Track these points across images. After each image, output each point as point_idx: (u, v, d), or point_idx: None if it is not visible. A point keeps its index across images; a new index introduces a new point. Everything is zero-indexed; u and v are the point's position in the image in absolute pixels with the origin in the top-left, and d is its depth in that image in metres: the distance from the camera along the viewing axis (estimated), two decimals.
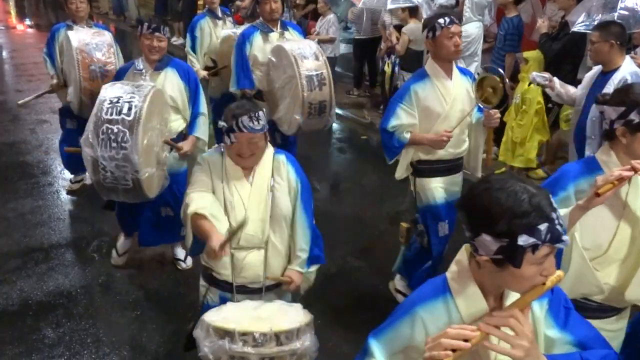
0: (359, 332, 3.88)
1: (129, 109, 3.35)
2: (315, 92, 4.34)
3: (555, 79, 4.35)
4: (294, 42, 4.79)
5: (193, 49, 6.35)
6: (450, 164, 3.83)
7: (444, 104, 3.64)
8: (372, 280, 4.54)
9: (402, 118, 3.65)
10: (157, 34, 3.96)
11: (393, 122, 3.67)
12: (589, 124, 4.12)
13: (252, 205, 2.72)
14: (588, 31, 4.64)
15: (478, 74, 3.74)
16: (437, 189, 3.83)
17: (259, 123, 2.60)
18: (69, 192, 5.93)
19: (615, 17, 4.54)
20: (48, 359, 3.63)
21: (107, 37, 4.88)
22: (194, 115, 4.23)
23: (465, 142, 3.83)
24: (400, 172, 3.86)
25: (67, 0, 5.29)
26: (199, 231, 2.65)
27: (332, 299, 4.27)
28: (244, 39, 5.02)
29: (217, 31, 6.27)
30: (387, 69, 7.67)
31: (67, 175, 6.15)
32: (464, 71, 3.84)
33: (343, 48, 9.93)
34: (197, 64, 6.26)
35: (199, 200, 2.67)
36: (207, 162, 2.78)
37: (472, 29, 5.77)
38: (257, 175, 2.76)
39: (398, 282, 4.25)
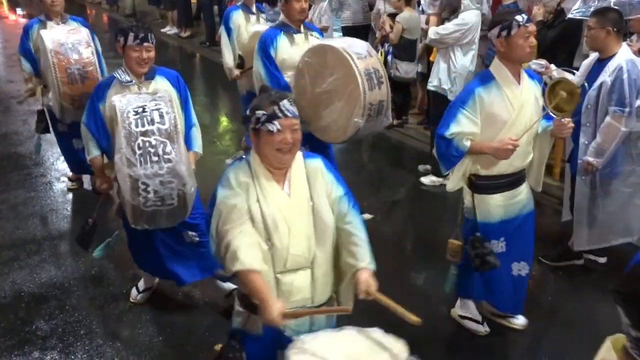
0: (354, 322, 3.88)
1: (161, 116, 3.00)
2: (375, 91, 3.91)
3: (552, 66, 4.31)
4: (341, 40, 4.36)
5: (230, 41, 5.95)
6: (513, 177, 3.46)
7: (511, 110, 3.28)
8: None
9: (463, 125, 3.27)
10: (145, 44, 3.48)
11: (453, 129, 3.28)
12: (584, 112, 4.08)
13: (294, 221, 2.39)
14: (584, 17, 4.60)
15: (550, 77, 3.49)
16: (498, 206, 3.47)
17: (296, 109, 2.38)
18: (70, 190, 5.75)
19: (612, 4, 4.49)
20: (41, 351, 3.60)
21: (84, 34, 4.55)
22: (188, 127, 3.70)
23: (531, 154, 3.46)
24: (453, 184, 3.50)
25: None
26: (249, 288, 2.30)
27: None
28: (268, 41, 4.45)
29: (249, 27, 5.89)
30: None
31: (60, 166, 6.12)
32: (532, 75, 3.48)
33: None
34: (230, 61, 5.84)
35: (247, 248, 2.27)
36: (234, 180, 2.38)
37: (471, 17, 5.71)
38: (293, 184, 2.43)
39: (460, 308, 3.85)
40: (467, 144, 3.29)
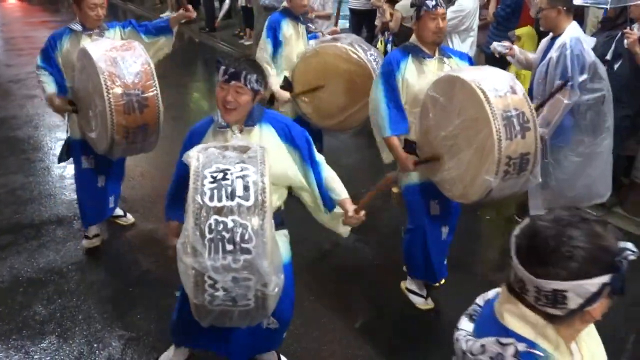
0: (351, 307, 3.91)
1: (245, 188, 2.26)
2: (517, 140, 2.98)
3: (515, 47, 4.47)
4: (474, 70, 3.37)
5: (274, 57, 4.92)
6: None
7: None
8: (365, 255, 4.55)
9: None
10: (234, 82, 2.66)
11: None
12: (534, 86, 4.24)
13: None
14: (585, 5, 4.71)
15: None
16: None
17: None
18: (89, 250, 4.51)
19: None
20: (39, 336, 3.61)
21: (139, 50, 3.68)
22: (319, 183, 2.91)
23: None
24: None
25: (84, 3, 3.94)
26: None
27: (324, 274, 4.28)
28: (394, 65, 3.58)
29: (300, 42, 4.96)
30: (380, 46, 7.56)
31: (58, 152, 6.08)
32: None
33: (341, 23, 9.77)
34: (274, 83, 4.83)
35: None
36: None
37: (468, 3, 5.69)
38: (582, 349, 1.58)
39: None
40: None
